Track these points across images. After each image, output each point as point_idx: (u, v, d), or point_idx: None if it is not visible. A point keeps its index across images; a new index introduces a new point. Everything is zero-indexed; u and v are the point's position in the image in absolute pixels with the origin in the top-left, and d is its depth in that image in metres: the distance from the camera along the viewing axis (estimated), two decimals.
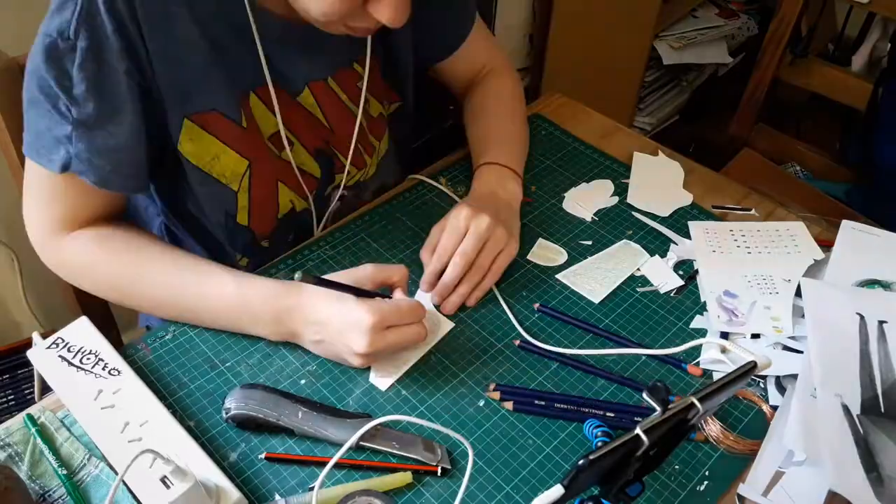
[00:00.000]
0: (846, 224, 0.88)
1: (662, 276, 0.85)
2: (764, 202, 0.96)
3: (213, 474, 0.62)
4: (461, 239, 0.78)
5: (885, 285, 0.80)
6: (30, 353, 0.71)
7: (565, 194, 0.95)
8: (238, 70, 0.75)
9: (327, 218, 0.93)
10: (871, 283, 0.81)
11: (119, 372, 0.69)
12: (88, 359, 0.70)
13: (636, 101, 2.13)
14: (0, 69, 0.83)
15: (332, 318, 0.69)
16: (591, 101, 1.13)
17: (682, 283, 0.84)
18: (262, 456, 0.66)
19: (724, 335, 0.78)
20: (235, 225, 0.84)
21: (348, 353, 0.69)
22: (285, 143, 0.82)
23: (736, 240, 0.88)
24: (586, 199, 0.94)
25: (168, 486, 0.58)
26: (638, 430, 0.50)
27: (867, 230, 0.87)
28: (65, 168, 0.70)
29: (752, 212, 0.94)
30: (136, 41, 0.67)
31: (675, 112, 2.29)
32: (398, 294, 0.74)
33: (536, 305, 0.80)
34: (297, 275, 0.66)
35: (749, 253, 0.87)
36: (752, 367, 0.55)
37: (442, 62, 0.99)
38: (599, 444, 0.66)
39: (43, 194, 0.74)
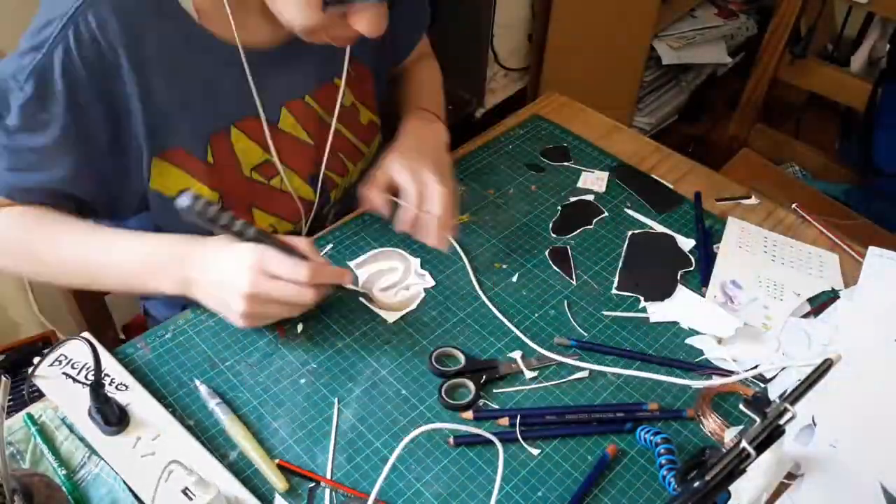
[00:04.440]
0: (873, 251, 0.86)
1: (713, 321, 0.79)
2: (764, 201, 0.96)
3: (231, 485, 0.62)
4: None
5: None
6: (31, 370, 0.69)
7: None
8: (211, 107, 0.76)
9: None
10: None
11: (127, 387, 0.69)
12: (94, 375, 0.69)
13: (635, 100, 2.13)
14: None
15: (220, 256, 0.70)
16: (591, 100, 1.13)
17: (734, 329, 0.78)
18: (277, 462, 0.65)
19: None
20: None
21: (233, 295, 0.68)
22: (279, 169, 0.82)
23: (766, 246, 0.88)
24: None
25: (190, 498, 0.58)
26: (745, 444, 0.51)
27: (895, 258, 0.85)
28: None
29: (753, 199, 0.96)
30: (97, 94, 0.70)
31: (674, 112, 2.29)
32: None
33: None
34: (186, 197, 0.65)
35: (773, 260, 0.87)
36: (829, 364, 0.56)
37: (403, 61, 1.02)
38: (662, 450, 0.66)
39: None
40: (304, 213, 0.88)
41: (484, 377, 0.73)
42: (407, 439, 0.56)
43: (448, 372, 0.73)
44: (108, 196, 0.78)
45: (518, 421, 0.69)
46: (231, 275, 0.68)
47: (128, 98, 0.71)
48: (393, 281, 0.83)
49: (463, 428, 0.64)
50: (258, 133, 0.80)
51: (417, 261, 0.85)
